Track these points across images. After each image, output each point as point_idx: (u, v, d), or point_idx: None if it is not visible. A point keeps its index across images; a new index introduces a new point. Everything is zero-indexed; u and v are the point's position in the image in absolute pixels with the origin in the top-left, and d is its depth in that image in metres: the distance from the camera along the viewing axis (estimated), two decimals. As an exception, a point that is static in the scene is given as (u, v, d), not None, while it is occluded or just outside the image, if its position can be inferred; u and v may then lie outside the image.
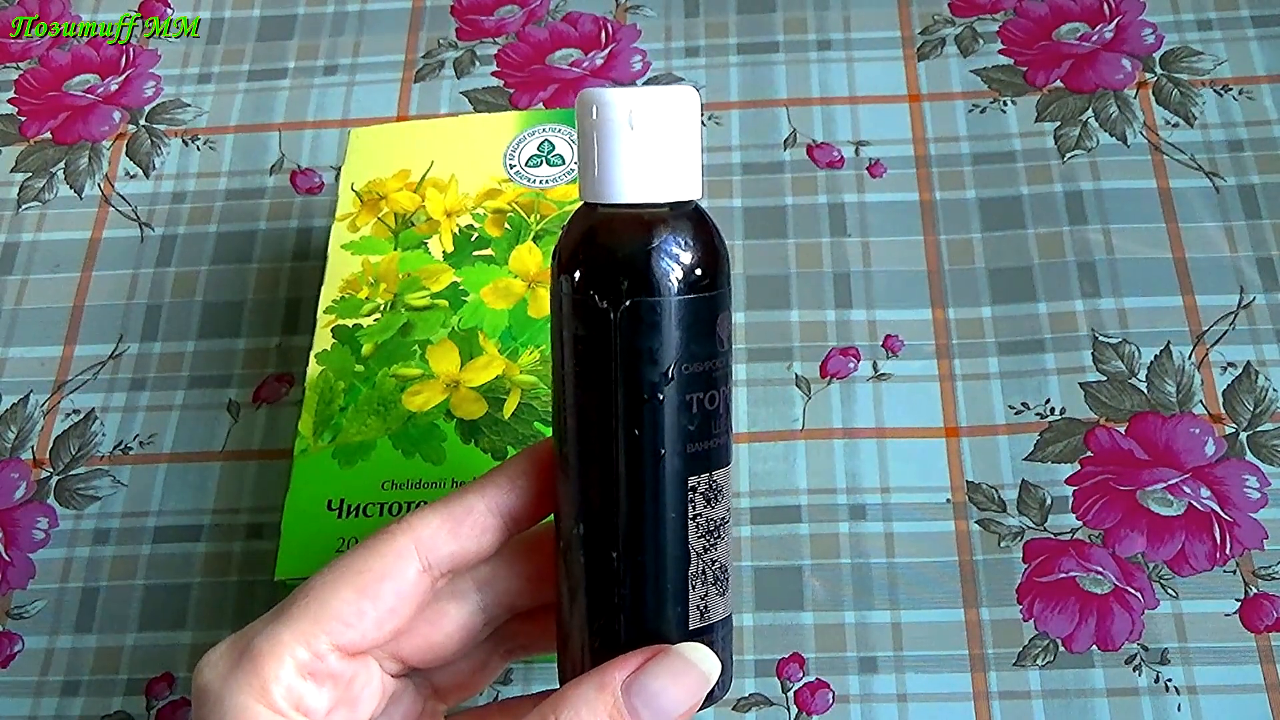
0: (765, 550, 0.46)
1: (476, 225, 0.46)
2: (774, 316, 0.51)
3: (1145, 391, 0.48)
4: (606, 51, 0.58)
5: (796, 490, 0.47)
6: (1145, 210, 0.52)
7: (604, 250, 0.30)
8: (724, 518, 0.31)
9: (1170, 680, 0.43)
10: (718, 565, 0.31)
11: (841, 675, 0.44)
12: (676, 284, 0.29)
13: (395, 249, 0.46)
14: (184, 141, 0.58)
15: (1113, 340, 0.49)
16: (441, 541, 0.32)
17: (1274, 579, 0.44)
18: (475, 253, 0.46)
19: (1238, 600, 0.44)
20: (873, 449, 0.48)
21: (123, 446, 0.50)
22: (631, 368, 0.30)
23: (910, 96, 0.56)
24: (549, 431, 0.40)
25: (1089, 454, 0.47)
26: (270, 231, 0.55)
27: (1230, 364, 0.48)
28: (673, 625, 0.31)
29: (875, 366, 0.49)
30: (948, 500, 0.46)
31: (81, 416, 0.51)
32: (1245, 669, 0.43)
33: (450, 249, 0.46)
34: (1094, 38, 0.57)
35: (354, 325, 0.45)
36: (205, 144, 0.58)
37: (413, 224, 0.47)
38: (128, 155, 0.58)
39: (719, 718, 0.43)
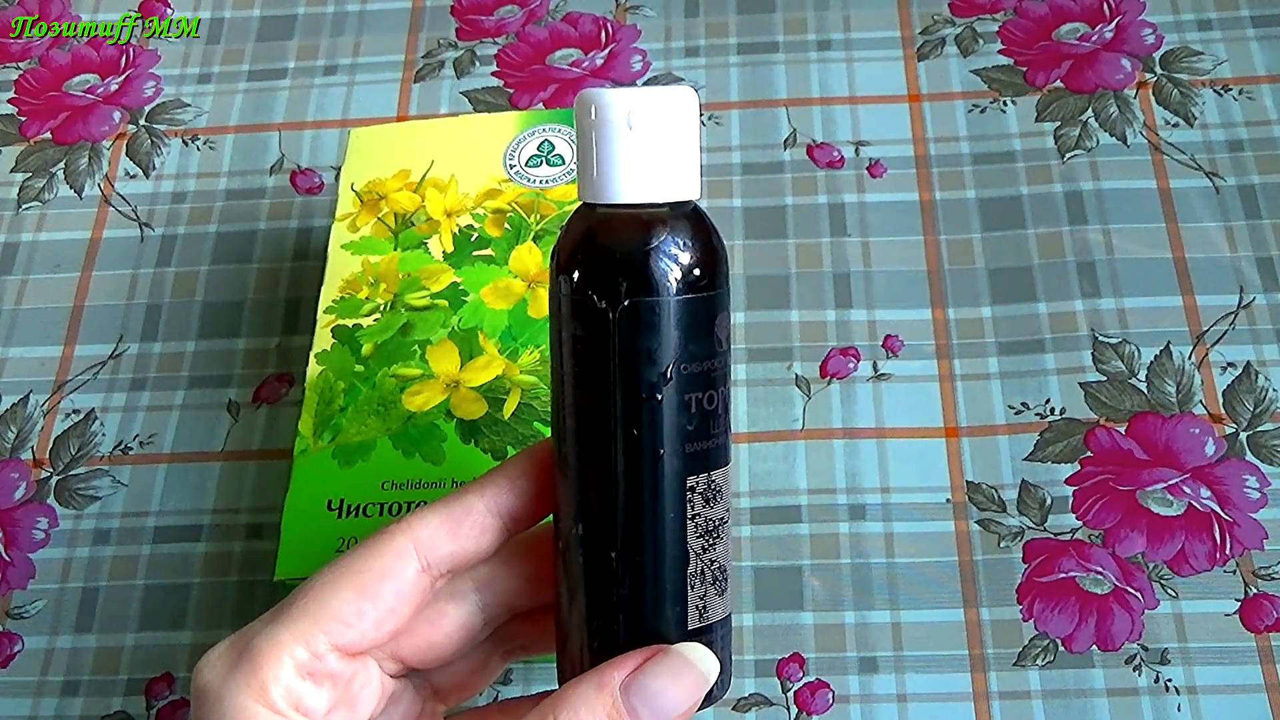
0: (765, 550, 0.46)
1: (476, 225, 0.46)
2: (774, 316, 0.51)
3: (1145, 391, 0.48)
4: (606, 51, 0.58)
5: (796, 490, 0.47)
6: (1145, 210, 0.52)
7: (603, 250, 0.30)
8: (723, 518, 0.31)
9: (1170, 680, 0.43)
10: (716, 565, 0.31)
11: (841, 675, 0.44)
12: (675, 284, 0.29)
13: (395, 249, 0.46)
14: (184, 141, 0.58)
15: (1113, 340, 0.49)
16: (441, 542, 0.32)
17: (1274, 579, 0.44)
18: (475, 253, 0.46)
19: (1238, 600, 0.44)
20: (873, 449, 0.48)
21: (123, 446, 0.50)
22: (630, 368, 0.30)
23: (910, 96, 0.56)
24: (549, 431, 0.40)
25: (1089, 454, 0.47)
26: (270, 231, 0.55)
27: (1230, 364, 0.48)
28: (671, 625, 0.31)
29: (875, 366, 0.49)
30: (948, 500, 0.46)
31: (81, 416, 0.51)
32: (1245, 669, 0.43)
33: (450, 249, 0.46)
34: (1094, 38, 0.57)
35: (354, 325, 0.45)
36: (205, 144, 0.58)
37: (413, 224, 0.47)
38: (128, 155, 0.58)
39: (719, 718, 0.43)
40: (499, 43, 0.60)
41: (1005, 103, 0.55)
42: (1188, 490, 0.46)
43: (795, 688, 0.44)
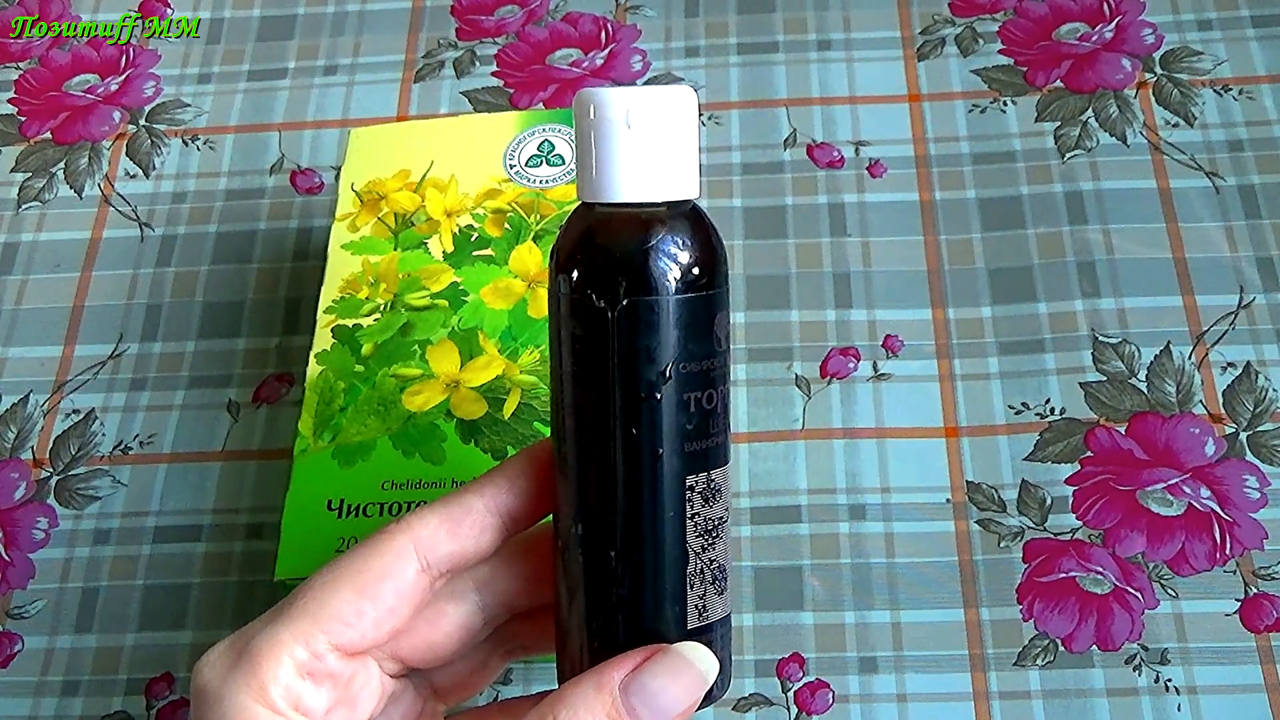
0: (765, 550, 0.46)
1: (476, 225, 0.46)
2: (774, 316, 0.51)
3: (1145, 391, 0.48)
4: (606, 51, 0.58)
5: (796, 490, 0.47)
6: (1145, 210, 0.52)
7: (601, 250, 0.30)
8: (722, 517, 0.31)
9: (1170, 680, 0.43)
10: (716, 564, 0.31)
11: (841, 675, 0.44)
12: (674, 283, 0.29)
13: (395, 249, 0.46)
14: (184, 141, 0.58)
15: (1113, 340, 0.49)
16: (440, 541, 0.32)
17: (1274, 579, 0.44)
18: (475, 253, 0.46)
19: (1238, 600, 0.44)
20: (873, 449, 0.48)
21: (123, 446, 0.50)
22: (629, 367, 0.30)
23: (910, 96, 0.56)
24: (549, 431, 0.40)
25: (1089, 454, 0.47)
26: (270, 231, 0.55)
27: (1230, 364, 0.48)
28: (671, 624, 0.31)
29: (875, 366, 0.49)
30: (948, 500, 0.46)
31: (81, 416, 0.51)
32: (1245, 669, 0.43)
33: (450, 249, 0.46)
34: (1094, 38, 0.57)
35: (354, 325, 0.45)
36: (205, 144, 0.58)
37: (413, 224, 0.47)
38: (128, 155, 0.58)
39: (719, 718, 0.43)
40: (499, 43, 0.60)
41: (1005, 103, 0.55)
42: (1188, 490, 0.46)
43: (795, 688, 0.44)
